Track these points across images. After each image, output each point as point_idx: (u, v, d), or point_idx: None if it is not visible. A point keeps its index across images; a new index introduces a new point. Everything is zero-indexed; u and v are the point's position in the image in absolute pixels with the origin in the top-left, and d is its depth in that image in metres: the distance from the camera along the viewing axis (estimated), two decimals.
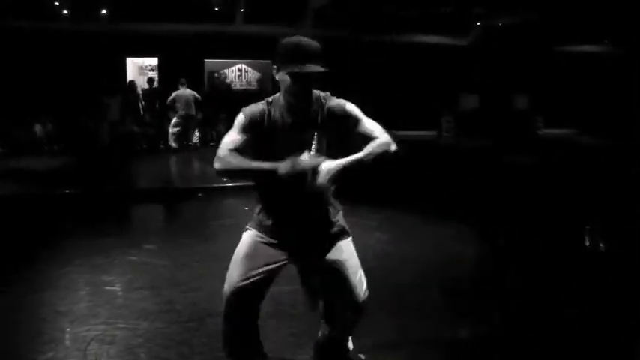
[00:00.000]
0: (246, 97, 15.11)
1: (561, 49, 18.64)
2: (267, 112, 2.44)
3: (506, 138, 16.06)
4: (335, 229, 2.58)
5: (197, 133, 13.29)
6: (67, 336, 3.41)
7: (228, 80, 15.14)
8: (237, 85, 15.55)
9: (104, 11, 14.11)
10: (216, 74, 15.30)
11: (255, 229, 2.63)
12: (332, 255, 2.54)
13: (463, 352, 3.36)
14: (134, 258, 4.99)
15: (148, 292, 4.17)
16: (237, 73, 15.59)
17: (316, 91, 2.46)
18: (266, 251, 2.55)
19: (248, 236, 2.63)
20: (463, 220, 6.48)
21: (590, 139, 16.40)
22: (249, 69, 15.66)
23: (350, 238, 2.62)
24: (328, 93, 2.50)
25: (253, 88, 15.69)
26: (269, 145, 2.41)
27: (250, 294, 2.49)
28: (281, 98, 2.46)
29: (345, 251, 2.57)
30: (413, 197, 7.93)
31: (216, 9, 14.44)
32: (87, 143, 12.61)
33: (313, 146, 2.38)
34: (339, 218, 2.61)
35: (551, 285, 4.47)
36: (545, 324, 3.66)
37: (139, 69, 15.27)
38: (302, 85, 2.36)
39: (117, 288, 4.28)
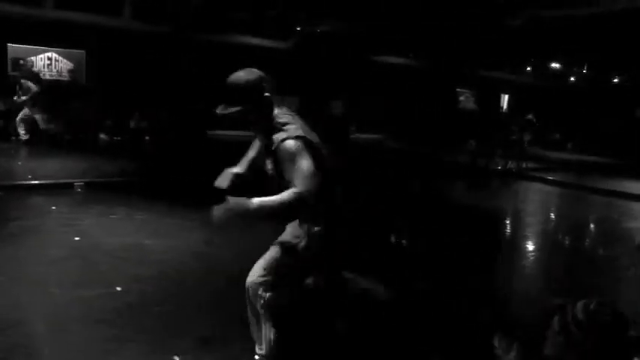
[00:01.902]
0: (57, 88, 14.14)
1: (373, 58, 19.97)
2: None
3: (324, 140, 16.75)
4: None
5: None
6: None
7: (35, 69, 13.91)
8: (46, 74, 14.36)
9: None
10: (21, 61, 13.98)
11: None
12: None
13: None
14: None
15: None
16: (47, 62, 14.40)
17: (280, 121, 2.70)
18: None
19: None
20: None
21: (395, 143, 17.79)
22: (61, 58, 14.56)
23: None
24: (290, 127, 2.69)
25: (65, 79, 14.62)
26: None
27: None
28: None
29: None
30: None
31: None
32: None
33: (270, 171, 2.74)
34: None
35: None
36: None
37: None
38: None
39: None
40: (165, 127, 14.13)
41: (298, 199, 2.52)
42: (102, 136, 13.43)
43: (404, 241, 6.61)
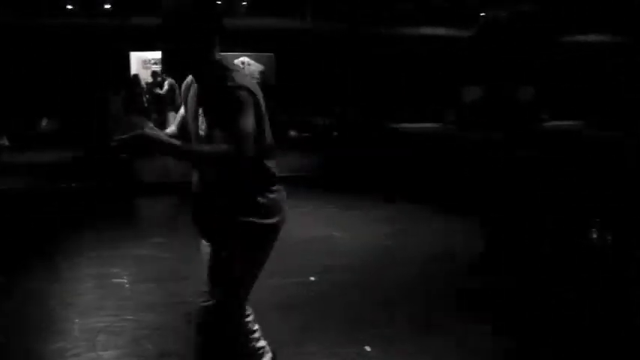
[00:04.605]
0: None
1: (566, 39, 18.54)
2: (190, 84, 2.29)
3: (512, 130, 15.91)
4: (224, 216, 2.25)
5: None
6: (76, 327, 3.49)
7: None
8: None
9: (107, 5, 14.14)
10: None
11: None
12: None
13: (467, 345, 3.33)
14: (141, 251, 5.08)
15: (154, 284, 4.24)
16: (240, 65, 15.58)
17: (225, 66, 2.15)
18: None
19: None
20: (469, 214, 6.52)
21: (597, 131, 16.26)
22: (252, 62, 15.68)
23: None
24: (240, 72, 2.19)
25: (256, 80, 15.68)
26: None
27: None
28: None
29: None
30: (422, 190, 7.98)
31: (218, 1, 14.45)
32: (92, 138, 12.67)
33: (201, 122, 2.16)
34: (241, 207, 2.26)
35: (555, 279, 4.49)
36: (547, 320, 3.69)
37: (143, 63, 15.29)
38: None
39: (124, 280, 4.35)
40: (351, 122, 14.47)
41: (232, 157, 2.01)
42: (292, 133, 14.16)
43: (609, 238, 5.99)
